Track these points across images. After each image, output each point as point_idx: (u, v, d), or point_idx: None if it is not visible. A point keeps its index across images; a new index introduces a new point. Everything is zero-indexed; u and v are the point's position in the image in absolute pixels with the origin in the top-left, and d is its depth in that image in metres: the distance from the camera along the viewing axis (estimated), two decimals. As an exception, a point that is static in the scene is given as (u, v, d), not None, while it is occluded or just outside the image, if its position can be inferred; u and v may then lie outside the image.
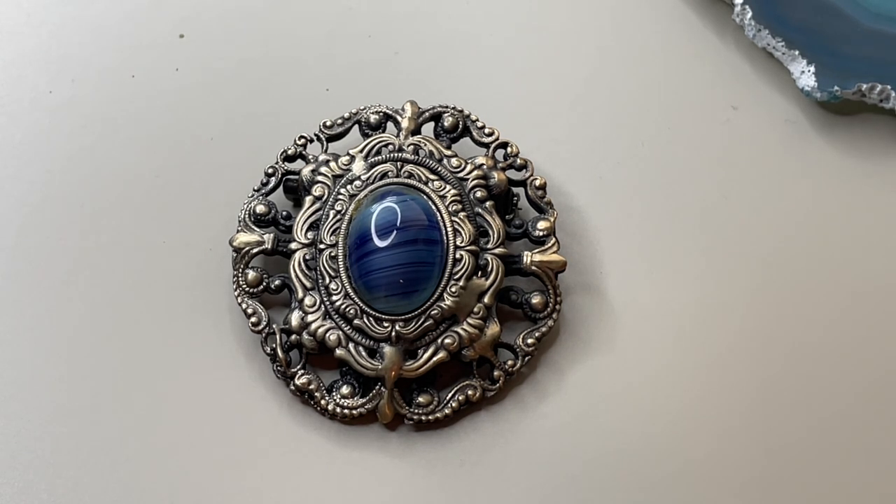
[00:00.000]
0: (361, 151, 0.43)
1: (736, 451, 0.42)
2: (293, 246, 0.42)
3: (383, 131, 0.44)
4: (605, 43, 0.48)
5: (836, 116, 0.47)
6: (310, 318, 0.42)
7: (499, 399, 0.43)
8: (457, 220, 0.42)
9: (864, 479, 0.42)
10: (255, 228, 0.43)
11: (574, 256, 0.44)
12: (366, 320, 0.41)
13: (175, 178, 0.46)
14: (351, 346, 0.42)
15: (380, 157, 0.43)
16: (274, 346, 0.42)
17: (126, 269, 0.44)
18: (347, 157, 0.43)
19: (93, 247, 0.45)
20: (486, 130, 0.44)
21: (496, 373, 0.42)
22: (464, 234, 0.42)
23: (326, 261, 0.42)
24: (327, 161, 0.43)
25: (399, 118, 0.44)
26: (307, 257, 0.42)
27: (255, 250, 0.43)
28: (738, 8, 0.46)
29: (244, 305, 0.42)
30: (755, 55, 0.48)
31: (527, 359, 0.43)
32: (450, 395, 0.42)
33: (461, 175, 0.43)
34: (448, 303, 0.41)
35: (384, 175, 0.43)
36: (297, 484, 0.42)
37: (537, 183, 0.44)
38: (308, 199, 0.43)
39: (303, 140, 0.44)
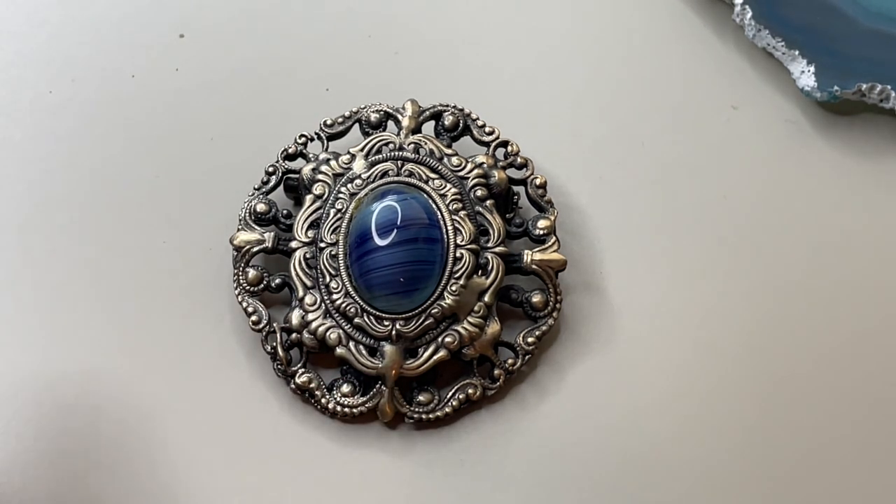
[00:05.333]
0: (362, 150, 0.43)
1: (736, 451, 0.42)
2: (294, 244, 0.42)
3: (384, 130, 0.44)
4: (605, 42, 0.48)
5: (836, 116, 0.47)
6: (310, 316, 0.42)
7: (499, 398, 0.43)
8: (457, 218, 0.42)
9: (866, 479, 0.42)
10: (256, 227, 0.43)
11: (574, 255, 0.44)
12: (366, 319, 0.41)
13: (175, 178, 0.46)
14: (351, 344, 0.41)
15: (380, 156, 0.43)
16: (274, 344, 0.42)
17: (126, 269, 0.44)
18: (348, 156, 0.43)
19: (93, 247, 0.45)
20: (487, 129, 0.44)
21: (496, 371, 0.42)
22: (464, 233, 0.42)
23: (327, 259, 0.42)
24: (328, 160, 0.43)
25: (400, 117, 0.44)
26: (308, 256, 0.42)
27: (255, 249, 0.43)
28: (738, 8, 0.47)
29: (244, 304, 0.42)
30: (755, 55, 0.48)
31: (527, 357, 0.43)
32: (450, 393, 0.42)
33: (461, 174, 0.43)
34: (448, 301, 0.41)
35: (385, 174, 0.43)
36: (297, 482, 0.42)
37: (538, 182, 0.44)
38: (308, 197, 0.43)
39: (303, 139, 0.44)
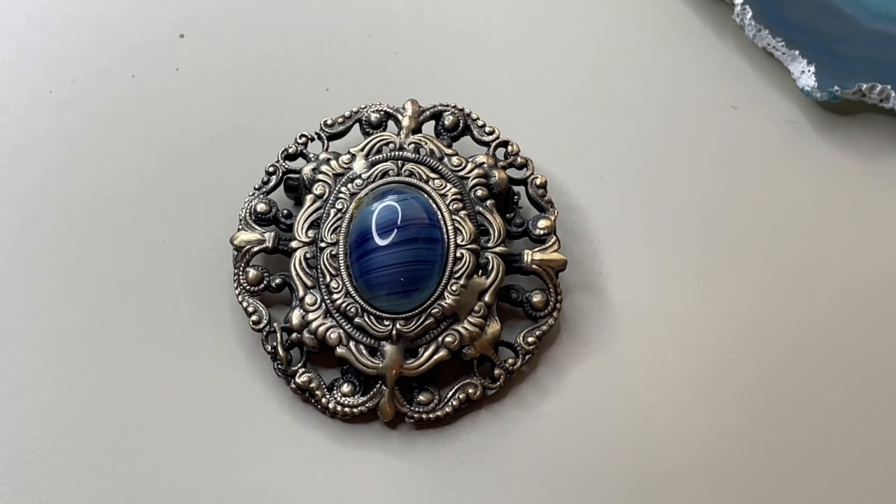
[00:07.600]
0: (362, 150, 0.43)
1: (735, 450, 0.42)
2: (294, 244, 0.42)
3: (384, 130, 0.44)
4: (605, 42, 0.48)
5: (836, 116, 0.47)
6: (310, 316, 0.42)
7: (499, 397, 0.43)
8: (457, 218, 0.42)
9: (864, 479, 0.42)
10: (256, 227, 0.43)
11: (574, 255, 0.44)
12: (366, 319, 0.41)
13: (175, 178, 0.46)
14: (352, 344, 0.41)
15: (380, 156, 0.43)
16: (275, 344, 0.42)
17: (126, 269, 0.44)
18: (348, 156, 0.43)
19: (93, 246, 0.45)
20: (487, 129, 0.44)
21: (497, 371, 0.42)
22: (464, 233, 0.42)
23: (327, 259, 0.42)
24: (328, 160, 0.43)
25: (400, 117, 0.44)
26: (308, 256, 0.42)
27: (255, 249, 0.43)
28: (738, 8, 0.47)
29: (245, 304, 0.42)
30: (755, 55, 0.48)
31: (527, 357, 0.43)
32: (450, 393, 0.42)
33: (462, 174, 0.43)
34: (449, 301, 0.41)
35: (385, 174, 0.43)
36: (297, 482, 0.42)
37: (538, 181, 0.44)
38: (309, 197, 0.43)
39: (304, 139, 0.44)
